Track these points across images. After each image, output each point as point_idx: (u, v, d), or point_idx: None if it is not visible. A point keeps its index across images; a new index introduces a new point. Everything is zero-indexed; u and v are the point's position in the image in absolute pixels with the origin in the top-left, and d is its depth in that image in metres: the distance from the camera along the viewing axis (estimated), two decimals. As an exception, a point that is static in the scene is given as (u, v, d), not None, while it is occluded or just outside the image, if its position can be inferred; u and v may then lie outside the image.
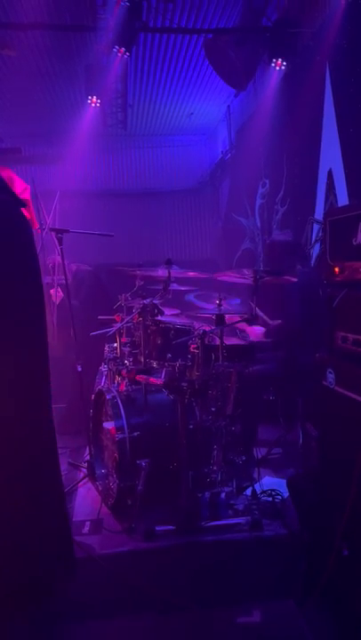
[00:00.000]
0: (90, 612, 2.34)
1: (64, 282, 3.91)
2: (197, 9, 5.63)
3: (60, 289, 4.98)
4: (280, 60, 5.19)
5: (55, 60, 6.56)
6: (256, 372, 3.54)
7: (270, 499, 3.13)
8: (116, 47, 5.01)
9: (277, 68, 5.26)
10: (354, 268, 2.16)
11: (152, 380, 3.20)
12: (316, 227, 4.84)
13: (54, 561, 2.29)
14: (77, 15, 5.52)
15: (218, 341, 3.27)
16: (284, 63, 5.22)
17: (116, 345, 3.94)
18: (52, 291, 5.05)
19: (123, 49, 5.02)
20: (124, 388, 3.36)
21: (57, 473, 2.38)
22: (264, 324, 3.90)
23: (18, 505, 2.15)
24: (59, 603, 2.37)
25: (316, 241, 4.75)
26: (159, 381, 3.12)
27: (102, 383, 4.31)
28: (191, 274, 3.64)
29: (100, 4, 5.04)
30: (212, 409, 3.23)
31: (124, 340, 3.84)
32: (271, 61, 5.22)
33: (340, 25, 4.25)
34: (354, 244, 2.15)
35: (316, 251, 4.74)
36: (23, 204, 2.48)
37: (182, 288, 3.75)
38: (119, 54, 5.07)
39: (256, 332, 3.86)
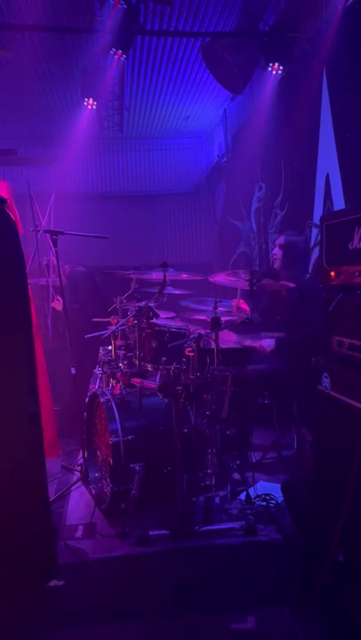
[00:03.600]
0: (82, 617, 2.31)
1: (58, 284, 3.89)
2: (195, 12, 5.64)
3: (58, 297, 4.93)
4: (276, 64, 5.21)
5: (51, 62, 6.54)
6: (252, 372, 3.51)
7: (265, 503, 3.12)
8: (113, 50, 5.01)
9: (274, 72, 5.28)
10: (350, 273, 2.15)
11: (147, 383, 3.18)
12: (314, 231, 4.84)
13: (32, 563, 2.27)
14: (74, 17, 5.52)
15: (213, 345, 3.26)
16: (281, 67, 5.23)
17: (110, 348, 3.93)
18: (53, 304, 5.02)
19: (120, 51, 5.02)
20: (119, 392, 3.34)
21: (42, 475, 2.36)
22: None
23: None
24: (49, 607, 2.35)
25: (315, 245, 4.74)
26: (154, 385, 3.11)
27: (96, 386, 4.29)
28: (185, 276, 3.62)
29: (98, 7, 5.03)
30: (207, 413, 3.22)
31: (119, 342, 3.82)
32: (268, 65, 5.23)
33: (337, 30, 4.26)
34: (350, 248, 2.15)
35: (315, 254, 4.73)
36: (4, 199, 2.45)
37: (177, 292, 3.73)
38: (116, 57, 5.07)
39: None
